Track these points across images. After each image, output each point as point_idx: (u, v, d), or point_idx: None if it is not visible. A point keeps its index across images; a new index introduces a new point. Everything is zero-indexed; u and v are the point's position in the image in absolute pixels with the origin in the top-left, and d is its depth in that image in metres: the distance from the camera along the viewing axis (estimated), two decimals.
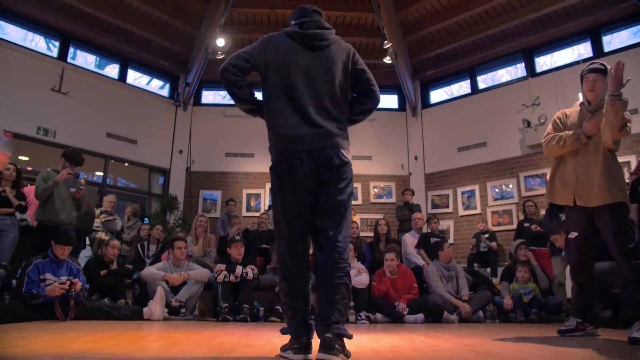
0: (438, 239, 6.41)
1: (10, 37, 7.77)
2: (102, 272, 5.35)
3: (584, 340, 2.91)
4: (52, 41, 8.45)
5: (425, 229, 7.00)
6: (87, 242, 6.49)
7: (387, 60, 8.91)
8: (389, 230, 6.71)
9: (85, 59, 8.98)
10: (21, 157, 8.48)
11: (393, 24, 8.94)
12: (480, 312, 5.43)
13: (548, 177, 3.40)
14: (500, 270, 7.09)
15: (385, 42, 8.53)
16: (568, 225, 3.30)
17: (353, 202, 8.59)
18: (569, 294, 5.42)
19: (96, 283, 5.15)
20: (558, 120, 3.32)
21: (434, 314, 5.28)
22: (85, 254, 6.33)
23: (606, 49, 7.97)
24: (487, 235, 7.50)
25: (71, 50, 8.58)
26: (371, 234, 8.03)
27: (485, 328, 4.39)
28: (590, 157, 3.07)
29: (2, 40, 7.57)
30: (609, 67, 3.06)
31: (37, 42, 8.34)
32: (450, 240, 8.52)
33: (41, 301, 4.11)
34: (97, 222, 6.50)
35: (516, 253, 5.88)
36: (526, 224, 6.69)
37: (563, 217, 3.82)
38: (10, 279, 4.65)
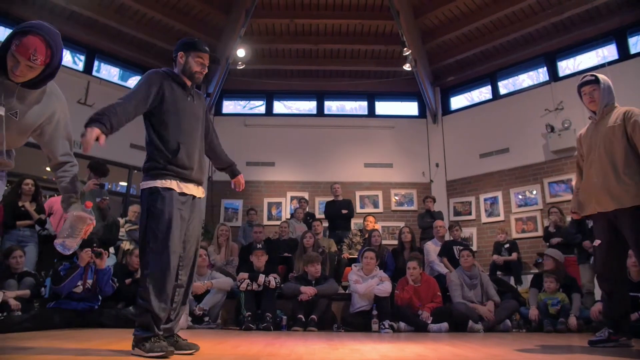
0: (461, 247, 6.32)
1: None
2: (127, 281, 5.42)
3: (616, 352, 2.82)
4: (78, 55, 8.68)
5: (447, 237, 6.93)
6: (112, 251, 6.59)
7: (407, 67, 8.89)
8: (414, 237, 6.65)
9: (109, 72, 9.19)
10: (48, 168, 8.70)
11: (412, 31, 8.93)
12: (508, 321, 5.32)
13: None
14: (524, 279, 6.98)
15: (405, 49, 8.51)
16: (594, 233, 3.28)
17: (374, 210, 8.51)
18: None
19: (121, 291, 5.22)
20: (578, 143, 3.44)
21: (458, 323, 5.19)
22: (110, 263, 6.43)
23: (632, 50, 7.79)
24: (507, 246, 7.31)
25: (96, 63, 8.81)
26: (393, 241, 7.99)
27: (512, 337, 4.29)
28: (606, 165, 3.10)
29: None
30: (599, 76, 3.26)
31: (63, 56, 8.56)
32: (474, 248, 8.39)
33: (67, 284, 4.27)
34: (121, 232, 6.60)
35: (542, 262, 5.75)
36: (552, 230, 6.55)
37: (590, 224, 3.76)
38: (39, 287, 4.76)
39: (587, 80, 3.30)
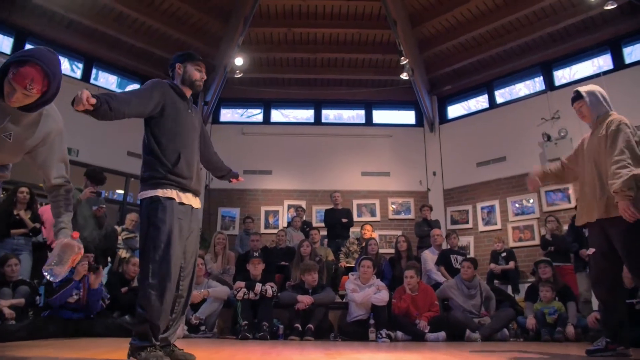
0: (458, 256, 6.32)
1: None
2: (123, 290, 5.39)
3: None
4: (76, 63, 8.70)
5: (444, 245, 6.92)
6: (109, 259, 6.56)
7: (404, 76, 8.93)
8: (410, 246, 6.64)
9: (107, 80, 9.21)
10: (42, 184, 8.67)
11: (409, 41, 8.98)
12: (505, 330, 5.30)
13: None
14: (522, 287, 6.96)
15: (402, 58, 8.56)
16: (588, 242, 3.31)
17: (371, 218, 8.44)
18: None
19: (117, 300, 5.19)
20: (577, 146, 3.47)
21: (455, 332, 5.17)
22: (105, 271, 6.39)
23: (627, 60, 7.86)
24: (504, 254, 7.30)
25: (94, 71, 8.83)
26: (390, 250, 7.97)
27: (509, 347, 4.28)
28: (594, 175, 3.14)
29: None
30: (582, 91, 3.30)
31: (61, 64, 8.58)
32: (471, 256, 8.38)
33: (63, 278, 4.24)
34: (118, 240, 6.57)
35: (537, 271, 5.73)
36: (549, 238, 6.57)
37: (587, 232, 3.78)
38: (34, 296, 4.73)
39: (573, 98, 3.36)
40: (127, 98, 2.37)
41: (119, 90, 9.04)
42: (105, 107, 2.19)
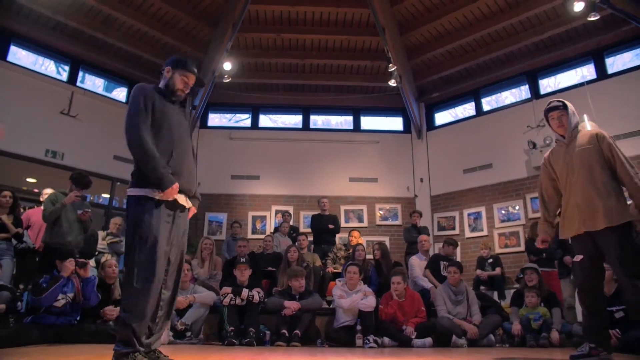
0: (446, 262, 6.34)
1: (21, 62, 7.95)
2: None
3: None
4: (62, 65, 8.61)
5: (432, 251, 6.94)
6: (92, 263, 6.46)
7: (392, 83, 8.97)
8: (385, 254, 6.57)
9: (93, 83, 9.12)
10: (29, 179, 8.55)
11: (398, 48, 9.06)
12: (491, 336, 5.33)
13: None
14: (507, 294, 7.02)
15: (390, 65, 8.61)
16: (574, 249, 3.32)
17: (359, 224, 8.37)
18: (579, 317, 5.34)
19: (101, 306, 5.10)
20: (547, 165, 3.47)
21: (442, 337, 5.19)
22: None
23: (609, 70, 8.03)
24: (490, 261, 7.36)
25: (80, 74, 8.74)
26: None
27: (495, 352, 4.30)
28: (588, 185, 3.15)
29: (14, 64, 7.75)
30: (566, 102, 3.36)
31: (47, 66, 8.51)
32: None
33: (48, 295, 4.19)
34: (103, 244, 6.49)
35: (523, 277, 5.78)
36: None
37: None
38: (15, 302, 4.64)
39: (555, 106, 3.40)
40: (148, 137, 2.47)
41: (105, 94, 9.07)
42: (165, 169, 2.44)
